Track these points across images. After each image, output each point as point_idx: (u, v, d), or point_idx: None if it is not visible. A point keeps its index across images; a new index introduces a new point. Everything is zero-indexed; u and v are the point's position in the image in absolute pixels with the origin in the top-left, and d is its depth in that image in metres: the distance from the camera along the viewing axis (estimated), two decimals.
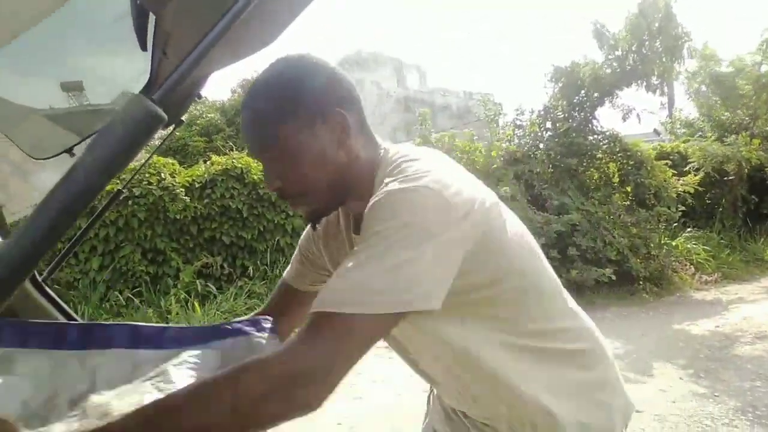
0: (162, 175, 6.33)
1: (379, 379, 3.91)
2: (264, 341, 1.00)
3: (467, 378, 0.89)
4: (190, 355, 0.98)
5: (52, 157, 1.15)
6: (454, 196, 0.72)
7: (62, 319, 1.28)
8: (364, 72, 20.04)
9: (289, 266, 1.09)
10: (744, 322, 4.73)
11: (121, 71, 1.13)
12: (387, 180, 0.75)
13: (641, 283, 6.02)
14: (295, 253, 1.07)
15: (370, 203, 0.74)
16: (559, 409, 0.87)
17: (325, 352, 0.67)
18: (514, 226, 0.86)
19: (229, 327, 1.03)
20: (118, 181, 5.96)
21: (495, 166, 6.66)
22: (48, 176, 1.21)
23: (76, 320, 1.39)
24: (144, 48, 0.95)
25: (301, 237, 1.07)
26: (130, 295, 5.60)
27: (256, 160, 6.73)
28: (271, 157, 0.82)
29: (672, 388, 3.43)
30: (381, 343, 2.97)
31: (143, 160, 6.27)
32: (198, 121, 17.64)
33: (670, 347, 4.22)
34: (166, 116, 0.45)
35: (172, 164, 6.71)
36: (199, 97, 0.97)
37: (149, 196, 6.16)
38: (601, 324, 4.96)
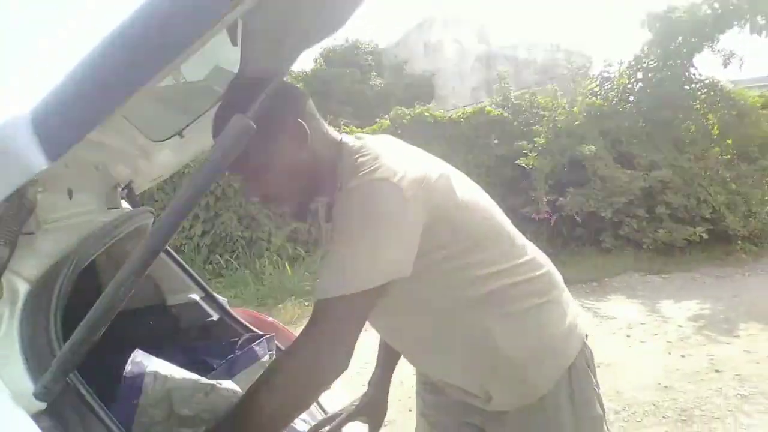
0: None
1: None
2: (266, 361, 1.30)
3: (446, 341, 1.00)
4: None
5: (167, 139, 1.40)
6: (401, 180, 0.85)
7: (180, 273, 1.57)
8: (443, 32, 19.61)
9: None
10: None
11: (212, 52, 1.26)
12: (347, 177, 0.88)
13: (739, 242, 5.66)
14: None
15: (339, 200, 0.88)
16: (519, 351, 1.00)
17: (325, 339, 0.83)
18: (466, 193, 0.98)
19: (244, 354, 1.29)
20: None
21: (577, 122, 6.44)
22: (165, 155, 1.46)
23: (191, 273, 1.67)
24: (234, 44, 1.14)
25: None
26: (229, 258, 6.16)
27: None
28: (245, 177, 0.94)
29: (759, 350, 3.31)
30: None
31: None
32: None
33: (764, 309, 4.01)
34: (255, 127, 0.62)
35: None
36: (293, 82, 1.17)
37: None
38: (692, 285, 4.85)
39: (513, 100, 7.38)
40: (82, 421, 0.57)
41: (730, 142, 6.30)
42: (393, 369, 1.32)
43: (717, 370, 3.10)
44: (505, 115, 7.19)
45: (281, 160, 0.90)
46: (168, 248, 1.60)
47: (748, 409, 2.67)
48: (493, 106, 7.41)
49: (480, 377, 1.03)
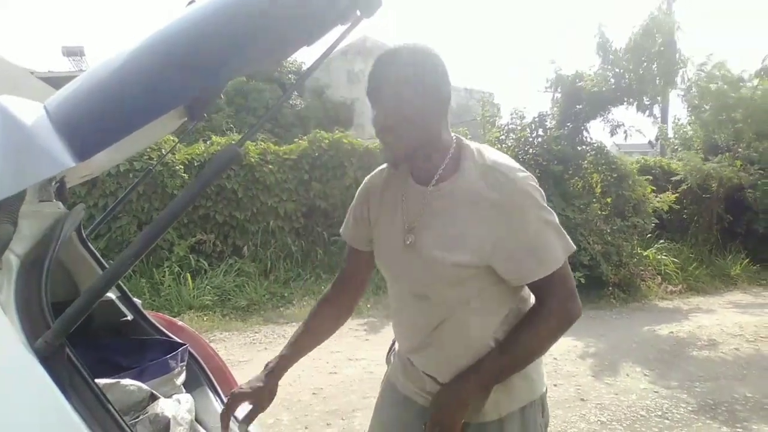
0: (162, 151, 6.58)
1: (354, 357, 4.23)
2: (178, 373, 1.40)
3: (459, 321, 1.15)
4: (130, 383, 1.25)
5: None
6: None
7: (98, 268, 1.58)
8: (367, 62, 20.12)
9: (349, 235, 1.34)
10: (698, 330, 5.08)
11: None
12: (475, 155, 1.13)
13: (611, 288, 6.36)
14: (349, 221, 1.33)
15: (510, 180, 1.08)
16: None
17: (574, 291, 1.13)
18: None
19: (156, 364, 1.37)
20: (151, 158, 6.25)
21: None
22: (101, 155, 1.47)
23: (106, 267, 1.67)
24: None
25: (352, 206, 1.33)
26: None
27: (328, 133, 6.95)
28: (404, 102, 1.07)
29: (618, 382, 3.78)
30: (359, 328, 3.39)
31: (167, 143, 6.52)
32: None
33: (626, 347, 4.56)
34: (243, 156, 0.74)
35: (173, 141, 6.95)
36: (221, 97, 1.31)
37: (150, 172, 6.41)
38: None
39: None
40: (70, 378, 0.64)
41: (609, 200, 7.11)
42: (298, 359, 1.37)
43: (582, 399, 3.49)
44: None
45: (426, 119, 1.09)
46: (90, 245, 1.61)
47: None
48: None
49: None
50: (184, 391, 1.45)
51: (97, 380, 0.93)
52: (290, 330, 5.00)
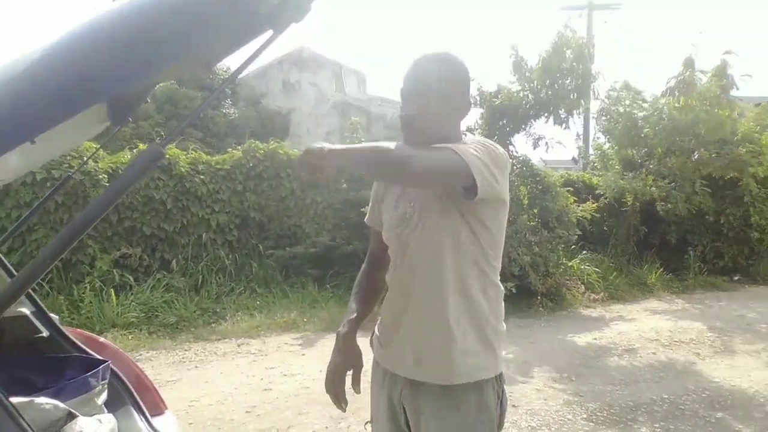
0: (84, 158, 6.21)
1: (289, 372, 4.15)
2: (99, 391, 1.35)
3: (451, 284, 1.31)
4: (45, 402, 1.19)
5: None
6: (504, 155, 1.32)
7: (6, 278, 1.46)
8: (303, 72, 20.03)
9: (372, 219, 1.56)
10: (618, 336, 5.39)
11: None
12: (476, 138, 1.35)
13: (539, 297, 6.63)
14: (371, 204, 1.56)
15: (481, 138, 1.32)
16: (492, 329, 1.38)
17: (457, 157, 1.21)
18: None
19: (75, 382, 1.32)
20: (71, 166, 5.85)
21: None
22: (11, 159, 1.37)
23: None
24: None
25: (372, 193, 1.55)
26: (40, 281, 5.46)
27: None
28: (432, 101, 1.29)
29: (547, 388, 3.93)
30: (295, 342, 3.34)
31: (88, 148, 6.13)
32: None
33: (553, 355, 4.76)
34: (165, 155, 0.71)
35: (97, 148, 6.58)
36: (147, 101, 1.29)
37: (69, 180, 6.04)
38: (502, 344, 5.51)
39: None
40: None
41: (535, 211, 7.42)
42: (368, 315, 1.52)
43: (514, 405, 3.60)
44: None
45: (444, 118, 1.32)
46: (1, 257, 1.48)
47: None
48: None
49: (438, 339, 1.32)
50: (105, 411, 1.36)
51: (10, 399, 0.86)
52: (223, 347, 4.85)
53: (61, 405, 0.97)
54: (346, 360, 1.43)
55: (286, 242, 7.17)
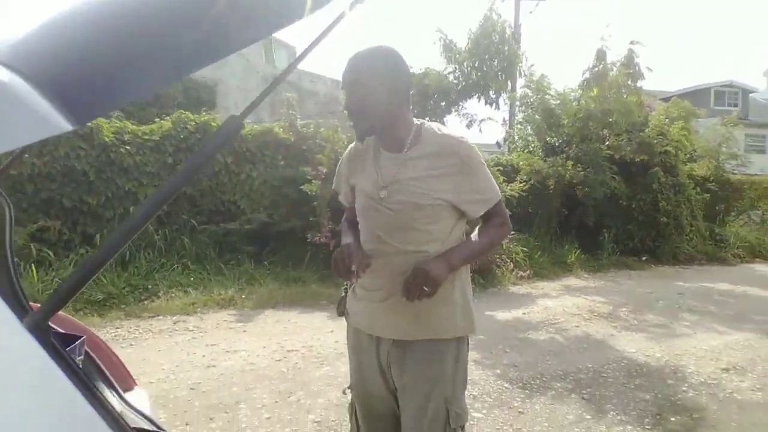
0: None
1: (232, 349, 4.08)
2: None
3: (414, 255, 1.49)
4: None
5: None
6: None
7: None
8: None
9: (346, 199, 1.72)
10: (545, 311, 5.75)
11: None
12: (433, 129, 1.54)
13: (471, 274, 6.89)
14: (341, 188, 1.71)
15: (459, 143, 1.50)
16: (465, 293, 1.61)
17: (507, 216, 1.62)
18: None
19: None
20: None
21: None
22: None
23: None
24: None
25: (342, 176, 1.69)
26: None
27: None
28: (372, 90, 1.45)
29: (482, 361, 4.14)
30: (234, 319, 3.31)
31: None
32: None
33: (486, 329, 4.99)
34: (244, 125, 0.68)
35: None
36: None
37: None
38: None
39: (299, 128, 7.71)
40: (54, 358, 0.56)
41: None
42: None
43: None
44: (293, 139, 7.46)
45: (386, 104, 1.47)
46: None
47: (477, 406, 3.33)
48: (282, 129, 7.61)
49: (439, 299, 1.46)
50: None
51: None
52: (158, 324, 4.68)
53: None
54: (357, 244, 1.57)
55: (220, 218, 6.94)
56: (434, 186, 1.46)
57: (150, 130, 6.79)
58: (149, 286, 5.50)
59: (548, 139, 9.76)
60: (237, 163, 7.09)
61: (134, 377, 3.44)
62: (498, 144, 14.70)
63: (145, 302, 5.17)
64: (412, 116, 1.55)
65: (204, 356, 3.90)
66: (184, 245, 6.47)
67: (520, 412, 3.28)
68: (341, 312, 1.73)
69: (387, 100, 1.45)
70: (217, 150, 0.67)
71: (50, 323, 1.49)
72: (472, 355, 4.19)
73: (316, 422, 2.96)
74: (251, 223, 6.82)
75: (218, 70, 18.29)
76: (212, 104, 16.62)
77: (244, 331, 4.57)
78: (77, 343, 1.28)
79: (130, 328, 4.53)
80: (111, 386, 1.47)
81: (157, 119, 7.34)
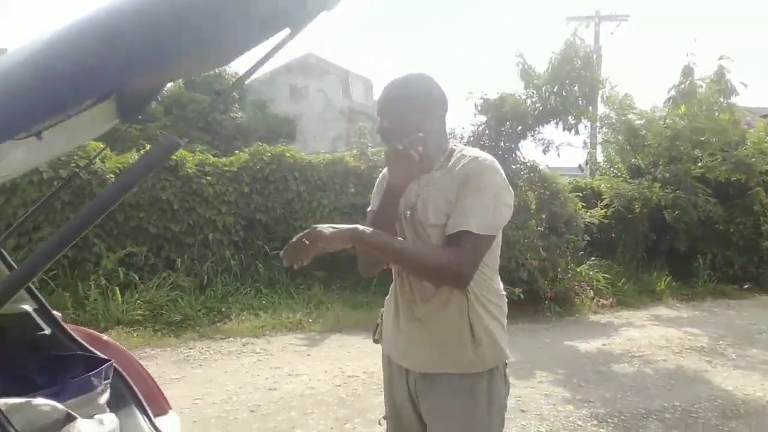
0: (91, 158, 6.21)
1: (294, 373, 4.09)
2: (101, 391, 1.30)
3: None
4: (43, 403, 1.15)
5: (21, 139, 1.30)
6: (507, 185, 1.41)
7: (6, 271, 1.42)
8: (310, 79, 20.10)
9: (373, 201, 1.62)
10: (628, 343, 5.30)
11: None
12: (464, 151, 1.45)
13: (547, 303, 6.55)
14: (375, 191, 1.63)
15: (475, 161, 1.39)
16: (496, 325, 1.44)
17: (469, 259, 1.30)
18: None
19: (77, 381, 1.27)
20: (78, 166, 5.87)
21: None
22: (17, 155, 1.34)
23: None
24: None
25: (374, 194, 1.63)
26: (45, 277, 5.45)
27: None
28: (404, 115, 1.44)
29: (556, 393, 3.86)
30: (300, 343, 3.30)
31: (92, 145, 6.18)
32: None
33: (562, 360, 4.68)
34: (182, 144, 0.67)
35: (104, 148, 6.59)
36: (158, 100, 1.30)
37: (75, 179, 6.04)
38: (509, 337, 5.45)
39: (370, 155, 7.82)
40: None
41: (543, 216, 7.36)
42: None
43: (522, 410, 3.53)
44: (363, 168, 7.57)
45: (423, 122, 1.44)
46: (3, 252, 1.45)
47: None
48: (353, 157, 7.77)
49: (453, 330, 1.39)
50: (108, 410, 1.32)
51: (5, 399, 0.82)
52: (228, 346, 4.80)
53: (60, 406, 0.92)
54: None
55: None
56: (446, 206, 1.38)
57: (229, 162, 7.16)
58: (223, 309, 5.71)
59: (632, 160, 9.20)
60: (309, 191, 7.28)
61: (199, 396, 3.55)
62: (580, 167, 14.08)
63: (218, 324, 5.36)
64: (446, 139, 1.52)
65: (267, 379, 3.94)
66: (258, 270, 6.68)
67: None
68: (376, 339, 1.68)
69: (418, 125, 1.42)
70: (152, 166, 0.65)
71: (87, 345, 1.55)
72: (543, 387, 3.95)
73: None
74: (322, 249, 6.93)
75: (298, 104, 19.18)
76: (292, 137, 17.39)
77: (308, 354, 4.59)
78: (103, 367, 1.30)
79: (202, 349, 4.70)
80: (142, 410, 1.48)
81: (236, 151, 7.75)
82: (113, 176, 6.26)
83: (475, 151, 1.45)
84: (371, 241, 1.28)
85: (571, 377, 4.23)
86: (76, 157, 6.12)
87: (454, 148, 1.49)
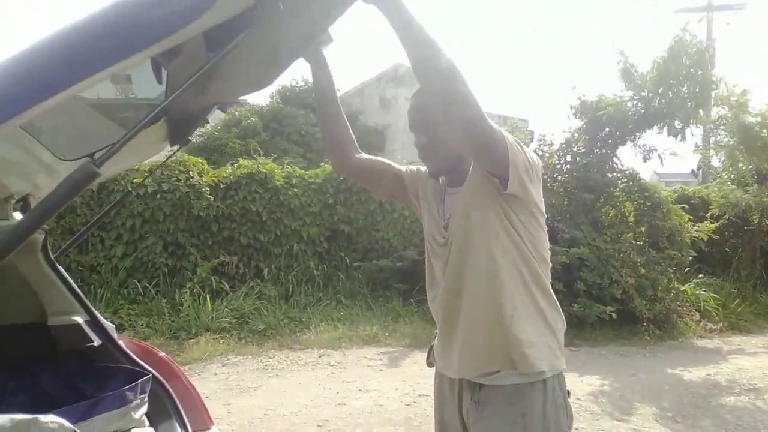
0: (190, 173, 6.68)
1: (365, 388, 4.08)
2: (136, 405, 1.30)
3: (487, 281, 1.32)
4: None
5: (76, 159, 1.40)
6: (536, 161, 1.35)
7: (67, 294, 1.53)
8: (400, 88, 20.30)
9: (401, 170, 1.58)
10: (737, 373, 4.72)
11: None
12: None
13: (644, 324, 6.02)
14: (407, 169, 1.58)
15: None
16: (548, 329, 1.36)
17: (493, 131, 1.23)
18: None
19: (113, 395, 1.30)
20: (139, 178, 6.37)
21: None
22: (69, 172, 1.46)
23: (79, 295, 1.63)
24: (159, 82, 1.30)
25: (414, 173, 1.56)
26: (147, 285, 5.92)
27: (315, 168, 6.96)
28: (433, 124, 1.37)
29: (646, 428, 3.50)
30: (375, 357, 3.26)
31: (164, 160, 6.71)
32: (241, 124, 18.22)
33: (657, 390, 4.26)
34: (100, 173, 0.67)
35: (201, 163, 7.07)
36: (207, 122, 1.42)
37: (176, 192, 6.52)
38: (597, 360, 5.09)
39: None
40: None
41: (643, 230, 6.80)
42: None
43: None
44: None
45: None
46: (59, 267, 1.56)
47: None
48: None
49: (495, 332, 1.31)
50: (147, 424, 1.36)
51: (12, 416, 0.85)
52: (305, 357, 4.91)
53: (67, 424, 0.95)
54: None
55: (374, 255, 7.18)
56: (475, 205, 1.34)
57: (315, 174, 7.39)
58: (304, 319, 5.86)
59: (746, 165, 8.24)
60: (391, 202, 7.30)
61: (271, 407, 3.64)
62: (693, 173, 12.84)
63: (298, 334, 5.50)
64: None
65: (338, 393, 3.96)
66: (339, 281, 6.79)
67: None
68: (430, 362, 1.62)
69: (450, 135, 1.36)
70: (66, 195, 0.63)
71: (136, 357, 1.63)
72: (632, 421, 3.62)
73: None
74: (402, 261, 6.91)
75: (387, 114, 19.43)
76: (381, 147, 17.64)
77: (381, 370, 4.56)
78: (139, 381, 1.35)
79: (281, 358, 4.84)
80: (182, 424, 1.52)
81: (322, 164, 7.97)
82: (208, 189, 6.69)
83: None
84: (399, 13, 1.14)
85: (666, 411, 3.82)
86: (176, 172, 6.62)
87: None
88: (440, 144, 1.38)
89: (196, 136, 18.86)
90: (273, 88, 21.38)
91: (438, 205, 1.47)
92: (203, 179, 6.77)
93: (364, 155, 1.60)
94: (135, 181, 6.45)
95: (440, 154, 1.40)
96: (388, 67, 19.82)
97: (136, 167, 6.60)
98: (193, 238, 6.60)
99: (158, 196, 6.47)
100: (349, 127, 1.59)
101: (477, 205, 1.33)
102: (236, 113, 17.76)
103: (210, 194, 6.69)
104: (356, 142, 1.60)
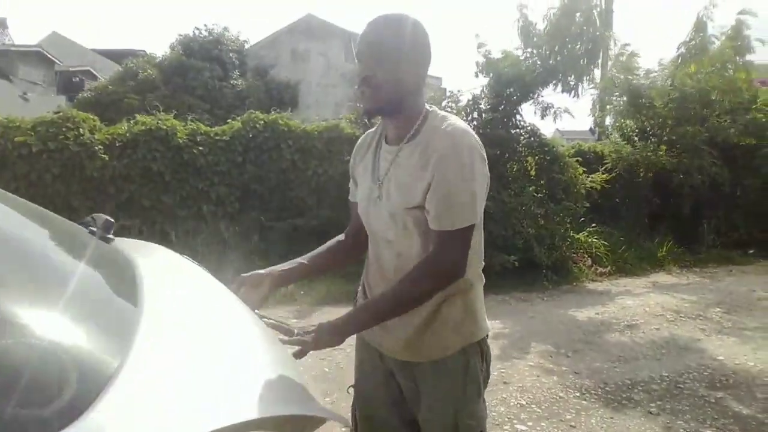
0: (80, 130, 6.15)
1: None
2: None
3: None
4: None
5: None
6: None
7: None
8: (311, 42, 19.66)
9: (351, 192, 1.56)
10: (622, 311, 5.24)
11: None
12: (438, 118, 1.32)
13: (544, 271, 6.47)
14: (351, 181, 1.56)
15: (435, 135, 1.28)
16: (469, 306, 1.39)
17: (457, 256, 1.25)
18: None
19: None
20: (21, 137, 5.78)
21: None
22: None
23: None
24: None
25: (351, 188, 1.55)
26: None
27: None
28: (386, 61, 1.28)
29: (540, 365, 3.83)
30: (289, 315, 3.23)
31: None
32: (137, 77, 16.77)
33: (552, 329, 4.64)
34: None
35: (93, 120, 6.51)
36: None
37: (65, 151, 6.01)
38: (501, 306, 5.41)
39: (367, 121, 7.65)
40: None
41: (543, 183, 7.21)
42: (309, 276, 1.63)
43: (505, 382, 3.51)
44: (358, 134, 7.41)
45: (401, 77, 1.29)
46: None
47: (523, 417, 3.07)
48: (349, 123, 7.60)
49: (425, 318, 1.34)
50: None
51: None
52: None
53: None
54: (258, 279, 1.53)
55: (288, 215, 7.06)
56: (421, 184, 1.28)
57: (221, 131, 7.05)
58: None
59: (632, 122, 8.93)
60: (303, 160, 7.16)
61: None
62: (591, 130, 13.68)
63: None
64: (423, 102, 1.37)
65: None
66: (253, 242, 6.65)
67: (571, 426, 2.97)
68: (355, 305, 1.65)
69: (400, 75, 1.29)
70: None
71: None
72: (529, 358, 3.92)
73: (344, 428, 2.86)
74: (318, 219, 6.87)
75: (299, 68, 18.84)
76: (295, 103, 17.14)
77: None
78: None
79: None
80: None
81: (229, 120, 7.61)
82: (102, 147, 6.20)
83: (451, 123, 1.30)
84: (358, 327, 1.38)
85: (559, 348, 4.19)
86: (64, 129, 6.06)
87: (429, 110, 1.36)
88: (385, 82, 1.28)
89: (86, 90, 17.22)
90: (172, 37, 19.78)
91: (372, 160, 1.44)
92: (96, 137, 6.26)
93: (352, 228, 1.58)
94: (17, 140, 5.85)
95: (382, 92, 1.29)
96: (300, 17, 19.11)
97: (18, 124, 5.99)
98: (88, 201, 6.14)
99: (44, 155, 5.93)
100: (340, 246, 1.62)
101: (419, 198, 1.30)
102: (131, 65, 16.35)
103: (104, 153, 6.21)
104: (347, 234, 1.61)
